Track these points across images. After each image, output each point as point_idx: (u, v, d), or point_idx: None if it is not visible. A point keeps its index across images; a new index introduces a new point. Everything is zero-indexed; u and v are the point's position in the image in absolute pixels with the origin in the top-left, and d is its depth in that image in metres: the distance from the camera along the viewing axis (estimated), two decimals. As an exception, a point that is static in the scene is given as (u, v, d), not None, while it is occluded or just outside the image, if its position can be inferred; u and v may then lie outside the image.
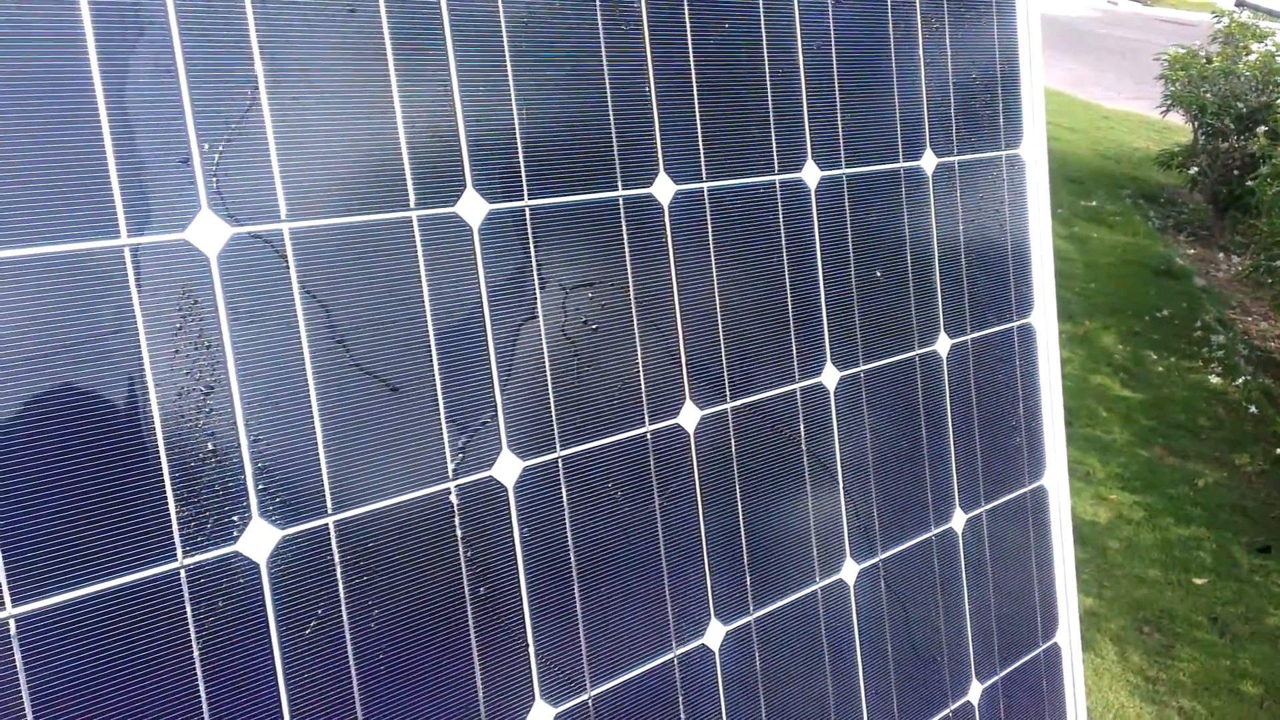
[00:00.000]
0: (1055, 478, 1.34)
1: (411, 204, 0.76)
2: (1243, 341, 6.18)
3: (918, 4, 1.14)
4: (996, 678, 1.27)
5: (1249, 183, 6.63)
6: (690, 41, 0.94)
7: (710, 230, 0.96)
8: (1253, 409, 5.34)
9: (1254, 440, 5.13)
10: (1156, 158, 8.67)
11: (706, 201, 0.96)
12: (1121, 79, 13.52)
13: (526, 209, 0.83)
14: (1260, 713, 3.54)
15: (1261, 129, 6.39)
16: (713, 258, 0.97)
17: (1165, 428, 5.12)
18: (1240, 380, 5.56)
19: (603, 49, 0.88)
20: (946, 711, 1.21)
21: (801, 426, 1.04)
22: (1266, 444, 5.04)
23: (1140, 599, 4.01)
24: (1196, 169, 7.98)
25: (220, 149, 0.67)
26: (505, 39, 0.81)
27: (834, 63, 1.06)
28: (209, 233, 0.66)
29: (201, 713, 0.67)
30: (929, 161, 1.16)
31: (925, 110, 1.16)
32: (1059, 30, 17.18)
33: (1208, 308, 6.59)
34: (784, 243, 1.02)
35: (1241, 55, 7.76)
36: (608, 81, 0.88)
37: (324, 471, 0.73)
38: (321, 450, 0.72)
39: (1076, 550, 3.80)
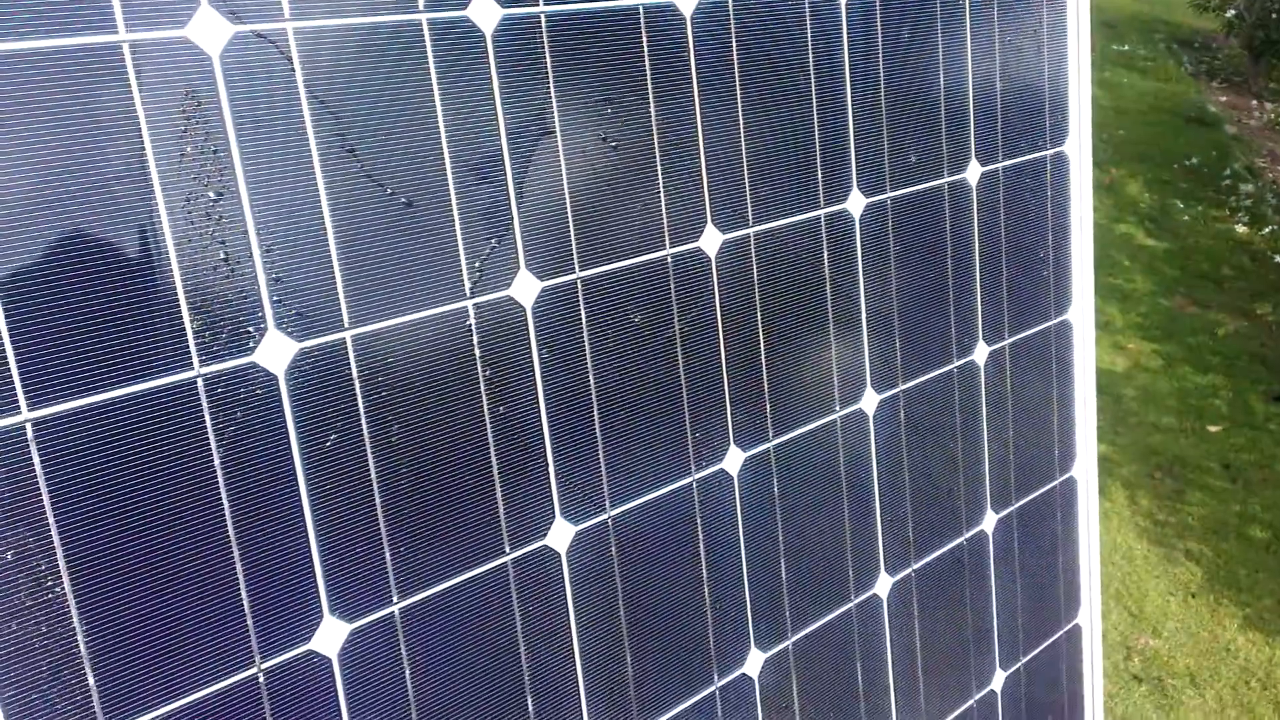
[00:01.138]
0: (1080, 314, 1.32)
1: (420, 5, 0.73)
2: (1271, 191, 6.06)
3: None
4: (1012, 508, 1.28)
5: (1289, 25, 6.39)
6: None
7: (734, 43, 0.92)
8: (1277, 259, 5.27)
9: (1277, 290, 5.08)
10: (1192, 0, 8.36)
11: (731, 12, 0.91)
12: (1161, -84, 12.92)
13: (542, 15, 0.79)
14: (1267, 556, 3.61)
15: (1306, -33, 6.12)
16: (737, 74, 0.93)
17: (1188, 277, 5.07)
18: (1267, 230, 5.47)
19: None
20: (960, 540, 1.23)
21: (825, 254, 1.02)
22: (1290, 294, 4.99)
23: (1153, 445, 4.04)
24: (1234, 12, 7.69)
25: (219, -60, 0.63)
26: None
27: None
28: (210, 30, 0.63)
29: (224, 517, 0.68)
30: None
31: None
32: None
33: (1238, 156, 6.44)
34: (811, 62, 0.98)
35: (1291, -112, 7.38)
36: (626, -121, 0.83)
37: (339, 285, 0.71)
38: (336, 263, 0.71)
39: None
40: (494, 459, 0.81)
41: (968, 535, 1.23)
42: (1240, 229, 5.49)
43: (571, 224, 0.84)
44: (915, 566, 1.17)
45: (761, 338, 0.99)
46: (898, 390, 1.12)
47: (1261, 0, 7.43)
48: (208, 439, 0.66)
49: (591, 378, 0.87)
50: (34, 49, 0.58)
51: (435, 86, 0.74)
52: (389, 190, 0.73)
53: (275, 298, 0.68)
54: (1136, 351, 4.48)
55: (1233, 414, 4.20)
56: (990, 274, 1.20)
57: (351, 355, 0.73)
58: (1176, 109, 7.05)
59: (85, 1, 0.59)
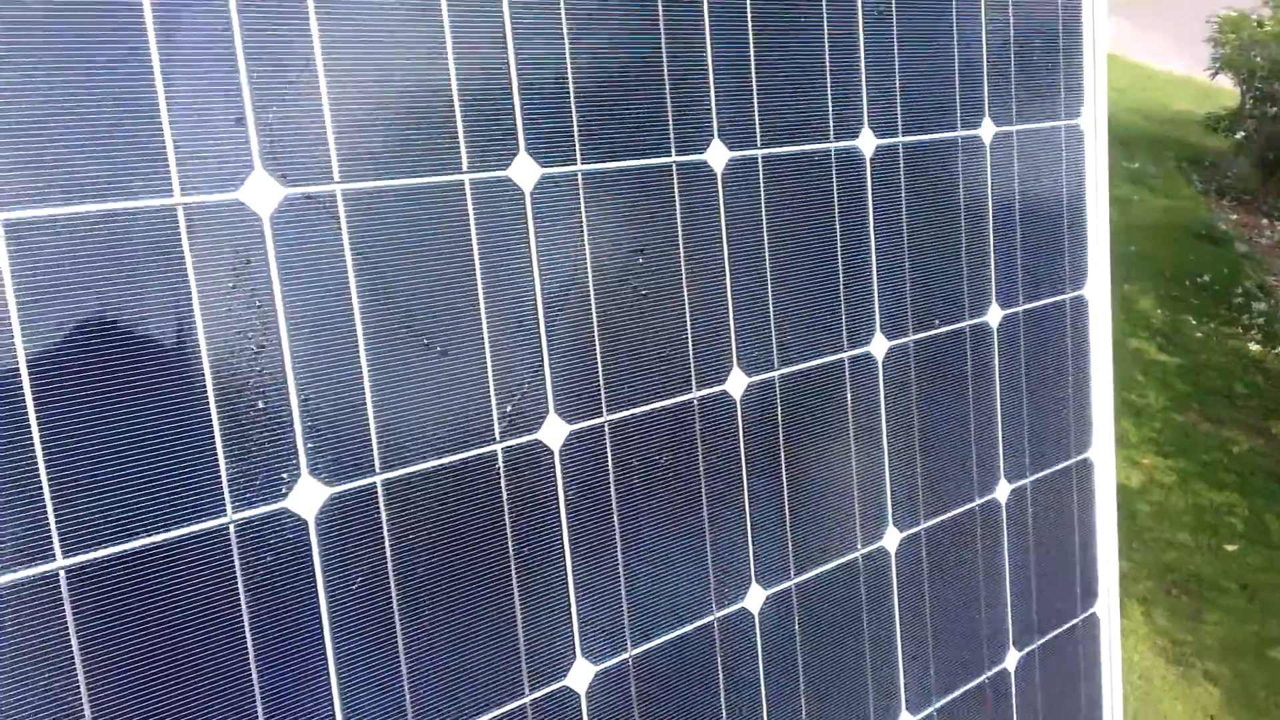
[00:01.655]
0: (1101, 452, 1.32)
1: (464, 167, 0.75)
2: (1284, 309, 6.08)
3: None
4: (1034, 645, 1.27)
5: (1297, 147, 6.49)
6: (750, 16, 0.92)
7: (763, 195, 0.95)
8: (1291, 378, 5.27)
9: (1291, 409, 5.07)
10: (1203, 121, 8.51)
11: (760, 166, 0.94)
12: (1167, 39, 13.23)
13: (579, 174, 0.82)
14: (1287, 682, 3.53)
15: (1313, 93, 6.24)
16: (765, 224, 0.95)
17: (1201, 394, 5.07)
18: (1279, 348, 5.49)
19: (660, 12, 0.86)
20: (983, 678, 1.21)
21: (849, 397, 1.03)
22: (1304, 413, 4.98)
23: (1169, 562, 3.99)
24: (1243, 133, 7.82)
25: (274, 109, 0.66)
26: (563, 8, 0.80)
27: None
28: (262, 193, 0.66)
29: (248, 661, 0.68)
30: (987, 129, 1.14)
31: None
32: (1106, -15, 16.78)
33: (1249, 274, 6.49)
34: (837, 212, 1.01)
35: (1296, 16, 7.57)
36: (664, 46, 0.87)
37: (372, 431, 0.72)
38: (370, 410, 0.72)
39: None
40: (517, 600, 0.82)
41: (990, 673, 1.22)
42: (1253, 347, 5.50)
43: (600, 369, 0.85)
44: (937, 705, 1.16)
45: (785, 478, 0.99)
46: (920, 528, 1.12)
47: (1270, 122, 7.56)
48: (236, 586, 0.67)
49: (616, 519, 0.88)
50: (91, 212, 0.60)
51: (475, 242, 0.76)
52: (425, 341, 0.74)
53: (310, 445, 0.69)
54: (1151, 467, 4.46)
55: (1249, 532, 4.16)
56: (1012, 414, 1.21)
57: (381, 499, 0.73)
58: (1187, 226, 7.12)
59: (144, 165, 0.62)
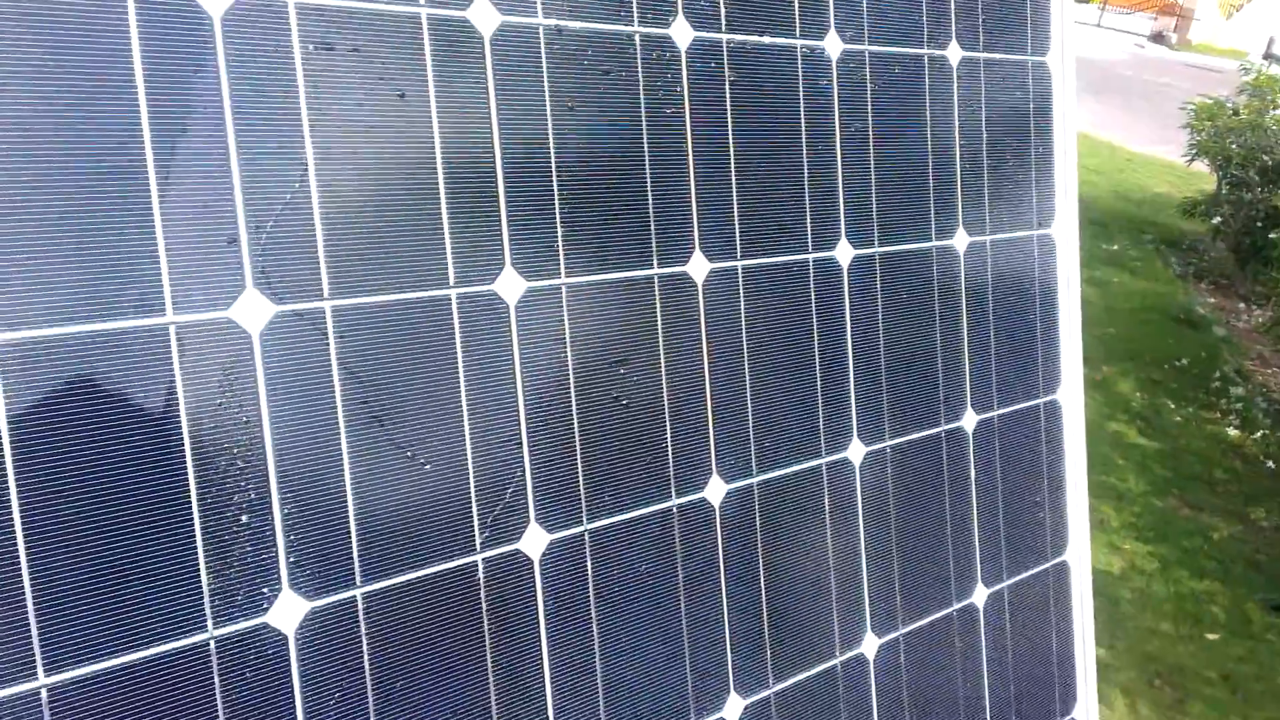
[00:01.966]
0: (1077, 555, 1.33)
1: (451, 281, 0.77)
2: (1261, 394, 6.15)
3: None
4: (1010, 752, 1.27)
5: (1272, 235, 6.61)
6: (730, 127, 0.95)
7: (743, 306, 0.97)
8: (1270, 464, 5.30)
9: (1270, 495, 5.10)
10: (1179, 205, 8.66)
11: (740, 279, 0.96)
12: (1146, 122, 13.52)
13: (564, 287, 0.84)
14: (1269, 776, 3.51)
15: (1287, 183, 6.37)
16: (744, 334, 0.97)
17: (1181, 478, 5.09)
18: (1258, 434, 5.53)
19: (644, 127, 0.89)
20: (958, 785, 1.21)
21: (827, 503, 1.05)
22: (1283, 500, 5.01)
23: (1151, 652, 3.98)
24: (1219, 219, 7.96)
25: (268, 228, 0.68)
26: (550, 121, 0.82)
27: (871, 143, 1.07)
28: (253, 311, 0.67)
29: (224, 786, 0.68)
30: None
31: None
32: (1085, 71, 17.18)
33: (1227, 358, 6.56)
34: (815, 323, 1.03)
35: (1269, 109, 7.75)
36: (647, 161, 0.89)
37: (354, 544, 0.73)
38: (352, 523, 0.73)
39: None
40: (494, 713, 0.82)
41: (964, 780, 1.22)
42: (1232, 432, 5.55)
43: (581, 478, 0.86)
44: (911, 815, 1.15)
45: (763, 584, 1.00)
46: (898, 634, 1.13)
47: (1246, 208, 7.70)
48: (215, 704, 0.67)
49: (595, 628, 0.88)
50: (80, 333, 0.61)
51: (460, 355, 0.78)
52: (410, 454, 0.75)
53: (292, 559, 0.70)
54: (1131, 553, 4.46)
55: (1230, 622, 4.16)
56: (989, 518, 1.22)
57: (361, 612, 0.74)
58: (1166, 309, 7.21)
59: (138, 286, 0.63)
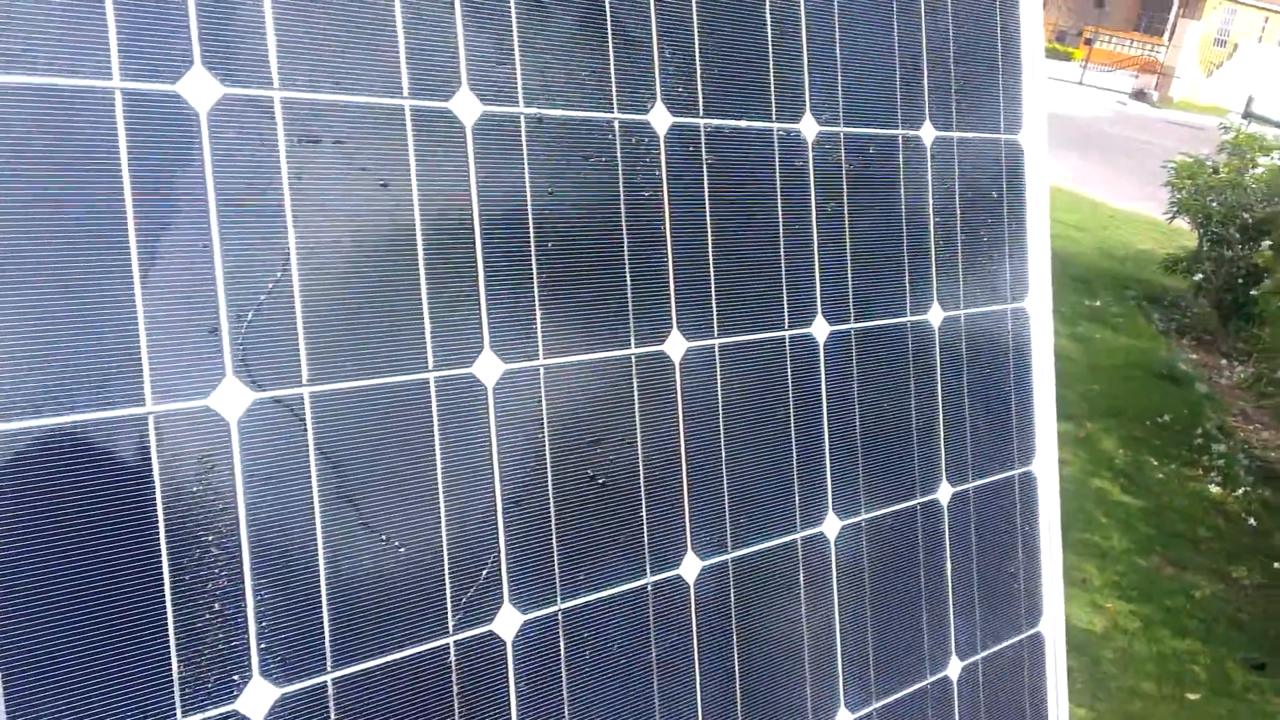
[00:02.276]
0: (1051, 626, 1.34)
1: (430, 365, 0.78)
2: (1243, 451, 6.18)
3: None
4: (985, 827, 1.27)
5: (1253, 292, 6.68)
6: (708, 209, 0.96)
7: (719, 385, 0.98)
8: (1252, 521, 5.32)
9: (1252, 553, 5.11)
10: (1162, 261, 8.76)
11: (717, 357, 0.98)
12: (1129, 179, 13.70)
13: (541, 368, 0.85)
14: (1253, 839, 3.49)
15: (1266, 242, 6.46)
16: (721, 412, 0.98)
17: (1164, 536, 5.10)
18: (1240, 491, 5.55)
19: (622, 207, 0.90)
20: None
21: (802, 579, 1.05)
22: (1265, 557, 5.02)
23: (1134, 712, 3.96)
24: (1201, 275, 8.05)
25: (249, 318, 0.69)
26: (530, 206, 0.84)
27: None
28: (231, 399, 0.68)
29: None
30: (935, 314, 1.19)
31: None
32: (1068, 128, 17.42)
33: (1209, 415, 6.60)
34: (791, 397, 1.04)
35: (1248, 167, 7.87)
36: (625, 241, 0.91)
37: (326, 630, 0.73)
38: (326, 609, 0.73)
39: (1071, 659, 3.78)
40: (465, 795, 0.82)
41: None
42: (1214, 489, 5.57)
43: (556, 557, 0.87)
44: None
45: (737, 661, 1.01)
46: (872, 708, 1.13)
47: (1227, 265, 7.79)
48: (184, 791, 0.67)
49: (566, 708, 0.88)
50: (57, 425, 0.62)
51: (437, 437, 0.79)
52: (384, 537, 0.76)
53: (263, 645, 0.70)
54: (1114, 612, 4.46)
55: (1212, 681, 4.15)
56: (963, 591, 1.23)
57: (331, 698, 0.74)
58: (1148, 365, 7.27)
59: (119, 376, 0.64)
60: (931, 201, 1.18)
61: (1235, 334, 7.79)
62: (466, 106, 0.81)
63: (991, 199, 1.25)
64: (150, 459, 0.65)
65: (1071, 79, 27.17)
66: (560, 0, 0.86)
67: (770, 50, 1.01)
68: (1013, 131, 1.27)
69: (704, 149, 0.97)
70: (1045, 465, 1.34)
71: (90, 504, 0.63)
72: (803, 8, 1.03)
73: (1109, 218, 11.81)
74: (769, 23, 1.00)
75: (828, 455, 1.08)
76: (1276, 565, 4.94)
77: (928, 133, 1.16)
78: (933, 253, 1.18)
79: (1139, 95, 26.93)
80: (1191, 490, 5.58)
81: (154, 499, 0.65)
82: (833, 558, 1.09)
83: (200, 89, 0.67)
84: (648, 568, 0.94)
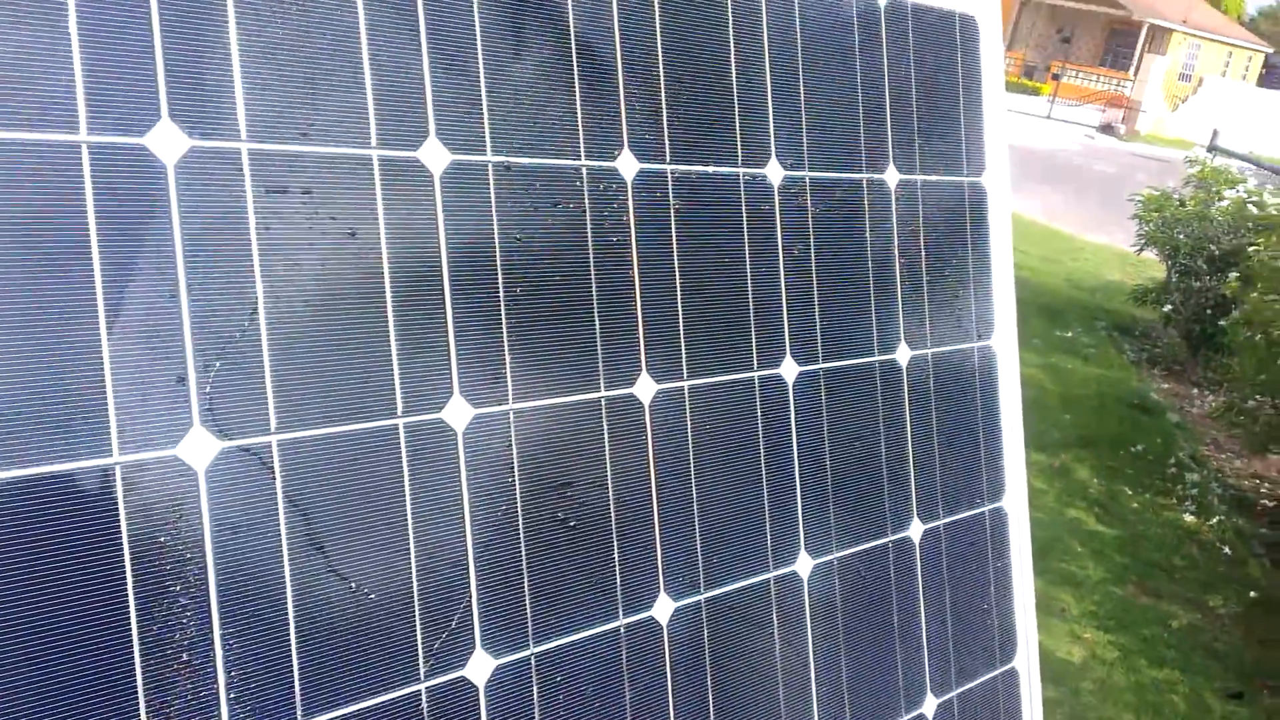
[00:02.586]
0: (1025, 661, 1.35)
1: (399, 411, 0.79)
2: (1216, 480, 6.23)
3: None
4: None
5: (1222, 323, 6.76)
6: (676, 253, 0.98)
7: (689, 429, 0.99)
8: (1226, 550, 5.36)
9: (1227, 582, 5.14)
10: (1131, 293, 8.86)
11: (686, 399, 0.99)
12: (1097, 211, 13.87)
13: (510, 412, 0.86)
14: None
15: (1233, 274, 6.55)
16: (692, 457, 0.99)
17: (1139, 565, 5.13)
18: (1214, 520, 5.59)
19: (590, 252, 0.91)
20: None
21: (775, 619, 1.06)
22: (1240, 586, 5.05)
23: (1114, 745, 3.97)
24: (1170, 306, 8.14)
25: (216, 366, 0.69)
26: (498, 252, 0.85)
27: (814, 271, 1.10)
28: (199, 449, 0.68)
29: None
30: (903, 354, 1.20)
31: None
32: (1037, 161, 17.66)
33: (1182, 444, 6.66)
34: (761, 440, 1.05)
35: (1214, 200, 7.99)
36: (594, 283, 0.92)
37: (295, 678, 0.73)
38: (295, 658, 0.73)
39: (1050, 690, 3.78)
40: (437, 843, 0.81)
41: None
42: (1188, 518, 5.61)
43: (528, 601, 0.87)
44: None
45: (711, 700, 1.01)
46: (845, 747, 1.13)
47: (1196, 296, 7.88)
48: (151, 845, 0.66)
49: (540, 752, 0.88)
50: (21, 477, 0.62)
51: (406, 483, 0.79)
52: (353, 585, 0.76)
53: (232, 695, 0.70)
54: (1092, 642, 4.47)
55: (1190, 712, 4.16)
56: (936, 629, 1.23)
57: (303, 747, 0.74)
58: (1121, 396, 7.33)
59: (85, 427, 0.64)
60: (897, 243, 1.20)
61: (1205, 364, 7.88)
62: (435, 155, 0.81)
63: (956, 240, 1.27)
64: (118, 510, 0.65)
65: (1040, 113, 27.56)
66: (527, 49, 0.87)
67: (735, 97, 1.03)
68: (975, 174, 1.29)
69: (671, 194, 0.98)
70: (1015, 501, 1.35)
71: (57, 556, 0.63)
72: (767, 55, 1.05)
73: (1078, 249, 11.95)
74: (734, 70, 1.02)
75: (799, 494, 1.09)
76: (1253, 594, 4.98)
77: (892, 176, 1.18)
78: (899, 293, 1.20)
79: (1106, 129, 27.34)
80: (1166, 519, 5.62)
81: (121, 550, 0.65)
82: (806, 596, 1.09)
83: (168, 142, 0.67)
84: (620, 610, 0.94)
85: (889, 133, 1.18)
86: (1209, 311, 7.67)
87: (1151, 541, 5.38)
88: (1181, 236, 8.05)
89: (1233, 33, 39.93)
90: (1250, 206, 7.63)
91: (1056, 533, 5.23)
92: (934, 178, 1.24)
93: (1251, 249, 6.39)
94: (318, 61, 0.75)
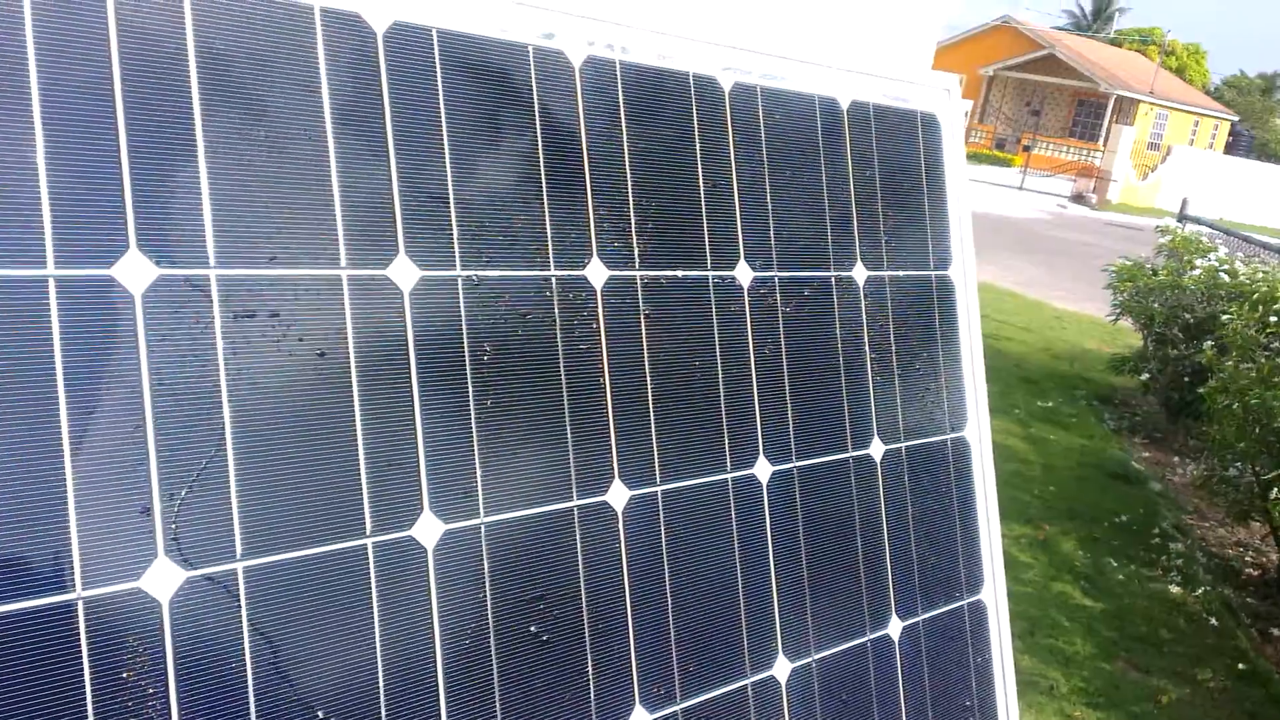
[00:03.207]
0: (1008, 756, 1.33)
1: (368, 530, 0.78)
2: (1201, 549, 6.22)
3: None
4: None
5: (1199, 390, 6.81)
6: (646, 357, 0.98)
7: (663, 535, 0.98)
8: (1213, 621, 5.33)
9: (1216, 654, 5.10)
10: (1109, 361, 8.92)
11: (660, 506, 0.98)
12: (1072, 280, 14.03)
13: (482, 526, 0.85)
14: None
15: (1208, 342, 6.61)
16: (665, 557, 0.98)
17: (1127, 639, 5.09)
18: (1200, 591, 5.57)
19: (561, 364, 0.92)
20: None
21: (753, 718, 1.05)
22: (1229, 659, 5.01)
23: (1108, 825, 3.90)
24: (1148, 374, 8.20)
25: (182, 495, 0.69)
26: (468, 364, 0.85)
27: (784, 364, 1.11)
28: (163, 579, 0.67)
29: None
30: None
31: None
32: (1010, 231, 17.90)
33: (1165, 513, 6.66)
34: (735, 532, 1.05)
35: (1186, 269, 8.10)
36: (565, 395, 0.92)
37: (263, 809, 0.72)
38: (262, 789, 0.72)
39: (1042, 771, 3.68)
40: None
41: None
42: (1174, 589, 5.58)
43: (496, 683, 0.86)
44: None
45: (689, 812, 0.99)
46: None
47: (1173, 364, 7.94)
48: None
49: None
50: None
51: (375, 606, 0.78)
52: (319, 713, 0.75)
53: (197, 831, 0.69)
54: None
55: (1185, 788, 4.10)
56: (917, 726, 1.22)
57: None
58: (1102, 465, 7.34)
59: (47, 564, 0.63)
60: (867, 339, 1.21)
61: (1185, 432, 7.91)
62: (404, 272, 0.82)
63: (925, 333, 1.28)
64: (79, 647, 0.64)
65: (1012, 184, 27.99)
66: (496, 165, 0.89)
67: (703, 202, 1.04)
68: (942, 267, 1.31)
69: (640, 300, 0.99)
70: (994, 593, 1.34)
71: (18, 695, 0.62)
72: (733, 160, 1.07)
73: (1055, 318, 12.05)
74: (700, 176, 1.04)
75: (775, 597, 1.08)
76: (1240, 667, 4.94)
77: (860, 273, 1.20)
78: (870, 388, 1.21)
79: (1078, 198, 27.78)
80: (1152, 591, 5.59)
81: (83, 688, 0.64)
82: (784, 701, 1.08)
83: (135, 272, 0.68)
84: (594, 715, 0.93)
85: (855, 230, 1.20)
86: (1187, 379, 7.72)
87: (1138, 614, 5.34)
88: (1156, 305, 8.14)
89: (1198, 101, 40.84)
90: (1222, 275, 7.73)
91: (1043, 609, 5.19)
92: (902, 273, 1.25)
93: (1225, 317, 6.45)
94: (287, 185, 0.76)
